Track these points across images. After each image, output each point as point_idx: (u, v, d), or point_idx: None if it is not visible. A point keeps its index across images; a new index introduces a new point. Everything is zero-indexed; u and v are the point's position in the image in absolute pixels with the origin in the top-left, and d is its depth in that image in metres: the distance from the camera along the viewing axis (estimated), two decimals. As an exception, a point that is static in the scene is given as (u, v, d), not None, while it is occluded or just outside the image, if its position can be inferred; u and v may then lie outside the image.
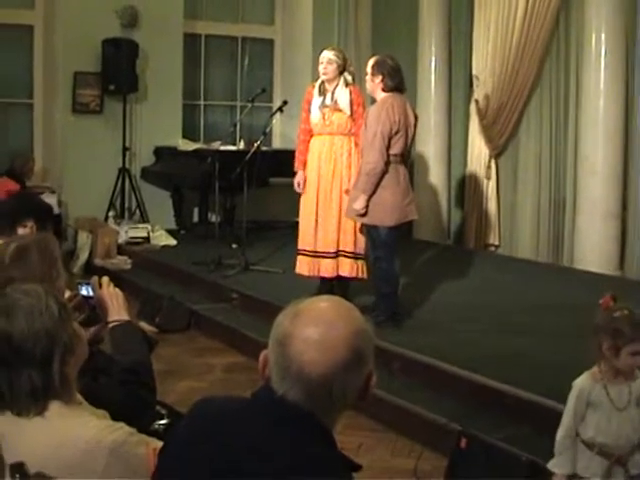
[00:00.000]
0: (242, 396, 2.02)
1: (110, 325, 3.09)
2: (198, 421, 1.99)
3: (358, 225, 7.06)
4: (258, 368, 1.97)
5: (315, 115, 7.34)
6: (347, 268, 7.26)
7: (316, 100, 7.37)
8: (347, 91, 7.26)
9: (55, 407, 2.29)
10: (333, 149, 7.29)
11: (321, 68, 7.32)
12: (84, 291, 3.21)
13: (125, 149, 11.21)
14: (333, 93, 7.29)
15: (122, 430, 2.31)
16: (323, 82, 7.37)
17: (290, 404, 1.85)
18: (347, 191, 7.08)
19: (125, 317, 3.13)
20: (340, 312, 1.92)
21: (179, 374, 6.61)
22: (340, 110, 7.26)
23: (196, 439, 1.94)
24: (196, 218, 11.83)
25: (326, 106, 7.30)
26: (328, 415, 1.90)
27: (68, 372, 2.33)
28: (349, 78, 7.32)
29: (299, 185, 7.47)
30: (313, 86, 7.50)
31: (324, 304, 1.94)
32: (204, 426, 1.96)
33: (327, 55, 7.33)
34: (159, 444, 2.24)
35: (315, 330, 1.85)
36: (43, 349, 2.27)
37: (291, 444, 1.83)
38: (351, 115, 7.23)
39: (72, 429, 2.26)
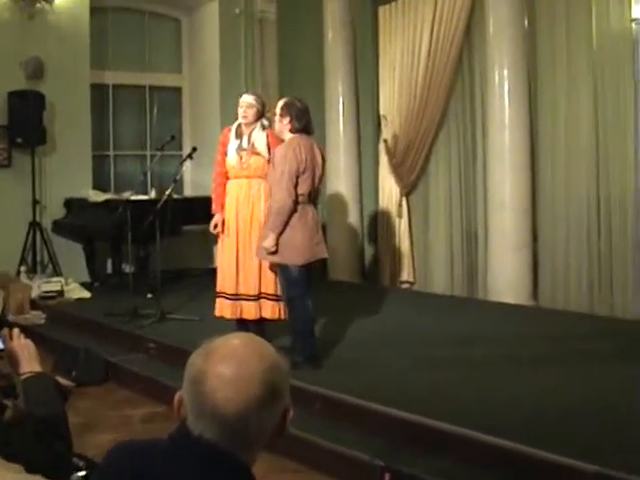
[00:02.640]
0: (159, 438, 1.99)
1: (22, 377, 3.03)
2: (114, 467, 1.96)
3: (267, 264, 7.06)
4: (173, 409, 1.94)
5: (232, 158, 7.34)
6: (269, 310, 7.25)
7: (233, 143, 7.37)
8: (264, 134, 7.27)
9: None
10: (251, 192, 7.29)
11: (240, 112, 7.33)
12: (-6, 344, 3.15)
13: (35, 202, 11.08)
14: (250, 136, 7.30)
15: (38, 483, 2.26)
16: (240, 125, 7.37)
17: (207, 443, 1.84)
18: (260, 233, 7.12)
19: (37, 368, 3.06)
20: (253, 348, 1.91)
21: (97, 427, 6.49)
22: (257, 153, 7.27)
23: (112, 485, 1.91)
24: (110, 269, 11.70)
25: (243, 149, 7.30)
26: (247, 452, 1.88)
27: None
28: (266, 123, 7.35)
29: (216, 227, 7.45)
30: (229, 129, 7.49)
31: (236, 341, 1.93)
32: (120, 471, 1.93)
33: (247, 99, 7.35)
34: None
35: (228, 367, 1.84)
36: None
37: (211, 484, 1.81)
38: (268, 159, 7.24)
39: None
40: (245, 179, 7.34)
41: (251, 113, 7.30)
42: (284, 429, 1.93)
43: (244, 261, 7.28)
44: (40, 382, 3.05)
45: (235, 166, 7.35)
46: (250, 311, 7.30)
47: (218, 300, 7.44)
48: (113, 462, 1.99)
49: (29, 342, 3.12)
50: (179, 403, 1.93)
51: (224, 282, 7.39)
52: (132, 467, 1.92)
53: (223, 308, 7.40)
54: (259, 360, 1.87)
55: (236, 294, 7.32)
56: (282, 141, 6.94)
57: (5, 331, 3.14)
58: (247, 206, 7.30)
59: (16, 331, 3.14)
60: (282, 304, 7.21)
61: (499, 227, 9.33)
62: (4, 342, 3.10)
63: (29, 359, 3.06)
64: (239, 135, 7.37)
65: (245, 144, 7.31)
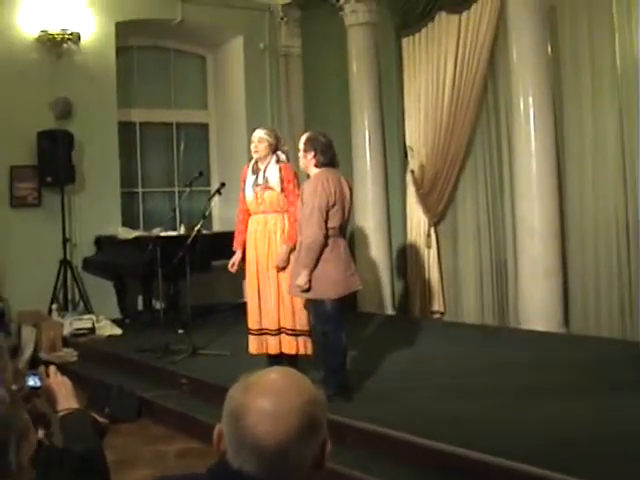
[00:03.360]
0: (197, 472, 2.01)
1: (60, 414, 3.06)
2: (155, 501, 1.98)
3: (302, 301, 7.07)
4: (213, 443, 1.96)
5: (249, 194, 7.41)
6: (287, 345, 7.27)
7: (249, 179, 7.44)
8: (277, 168, 7.32)
9: (10, 497, 2.25)
10: (267, 227, 7.34)
11: (252, 147, 7.41)
12: (31, 382, 3.17)
13: (65, 240, 11.16)
14: (264, 171, 7.35)
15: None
16: (256, 161, 7.43)
17: (247, 477, 1.85)
18: (276, 267, 7.15)
19: (74, 405, 3.09)
20: (291, 381, 1.92)
21: (132, 463, 6.51)
22: (271, 188, 7.31)
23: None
24: (140, 306, 11.75)
25: (258, 185, 7.36)
26: (286, 485, 1.90)
27: (22, 459, 2.30)
28: (282, 157, 7.40)
29: (233, 265, 7.53)
30: (247, 165, 7.57)
31: (274, 375, 1.95)
32: (161, 506, 1.95)
33: (258, 134, 7.42)
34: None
35: (268, 401, 1.86)
36: None
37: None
38: (282, 192, 7.28)
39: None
40: (262, 215, 7.39)
41: (262, 147, 7.36)
42: (323, 462, 1.94)
43: (264, 296, 7.34)
44: (78, 419, 3.07)
45: (252, 202, 7.42)
46: (272, 345, 7.33)
47: (249, 337, 7.49)
48: (154, 497, 2.00)
49: (66, 379, 3.15)
50: (218, 437, 1.94)
51: (251, 318, 7.45)
52: (172, 501, 1.93)
53: (252, 344, 7.45)
54: (298, 393, 1.89)
55: (260, 329, 7.36)
56: (307, 176, 6.97)
57: (42, 369, 3.17)
58: (264, 241, 7.35)
59: (52, 368, 3.17)
60: (302, 339, 7.24)
61: (528, 254, 9.31)
62: (41, 380, 3.13)
63: (66, 396, 3.09)
64: (255, 171, 7.44)
65: (260, 180, 7.37)
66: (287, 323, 7.25)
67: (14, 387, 3.13)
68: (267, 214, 7.36)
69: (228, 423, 1.89)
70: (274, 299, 7.23)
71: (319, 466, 1.94)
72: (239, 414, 1.86)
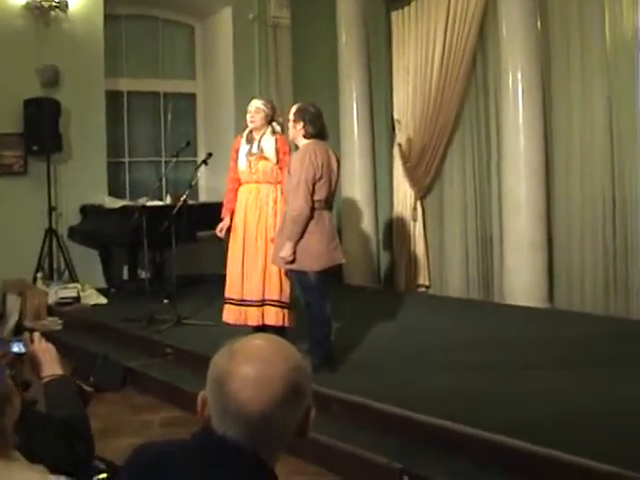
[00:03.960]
0: (181, 438, 2.01)
1: (44, 380, 3.06)
2: (139, 467, 1.98)
3: (283, 270, 7.07)
4: (197, 410, 1.96)
5: (242, 163, 7.39)
6: (272, 317, 7.27)
7: (243, 148, 7.42)
8: (273, 139, 7.31)
9: (-6, 461, 2.26)
10: (259, 197, 7.32)
11: (248, 117, 7.38)
12: (15, 348, 3.17)
13: (51, 209, 11.13)
14: (259, 141, 7.33)
15: (62, 483, 2.29)
16: (251, 131, 7.41)
17: (231, 443, 1.85)
18: (272, 240, 7.12)
19: (59, 371, 3.10)
20: (276, 348, 1.93)
21: (117, 432, 6.51)
22: (266, 158, 7.30)
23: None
24: (126, 275, 11.73)
25: (252, 154, 7.34)
26: (269, 452, 1.90)
27: (6, 424, 2.31)
28: (277, 128, 7.38)
29: (221, 230, 7.50)
30: (241, 135, 7.55)
31: (259, 341, 1.95)
32: (145, 472, 1.95)
33: (255, 104, 7.39)
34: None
35: (252, 367, 1.86)
36: None
37: (235, 483, 1.83)
38: (277, 163, 7.28)
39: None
40: (254, 184, 7.38)
41: (258, 118, 7.33)
42: (307, 429, 1.95)
43: (249, 267, 7.31)
44: (62, 385, 3.08)
45: (245, 171, 7.40)
46: (253, 317, 7.32)
47: (225, 306, 7.48)
48: (137, 462, 2.01)
49: (50, 346, 3.15)
50: (202, 403, 1.94)
51: (231, 287, 7.42)
52: (156, 467, 1.94)
53: (228, 314, 7.44)
54: (283, 360, 1.89)
55: (241, 299, 7.34)
56: (296, 147, 6.96)
57: (26, 335, 3.17)
58: (254, 211, 7.32)
59: (37, 335, 3.17)
60: (286, 311, 7.24)
61: (514, 230, 9.33)
62: (26, 346, 3.13)
63: (51, 362, 3.09)
64: (249, 141, 7.41)
65: (255, 149, 7.35)
66: (273, 295, 7.25)
67: (-1, 353, 3.14)
68: (260, 184, 7.35)
69: (212, 389, 1.90)
70: (260, 270, 7.23)
71: (303, 433, 1.95)
72: (223, 380, 1.87)
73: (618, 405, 5.67)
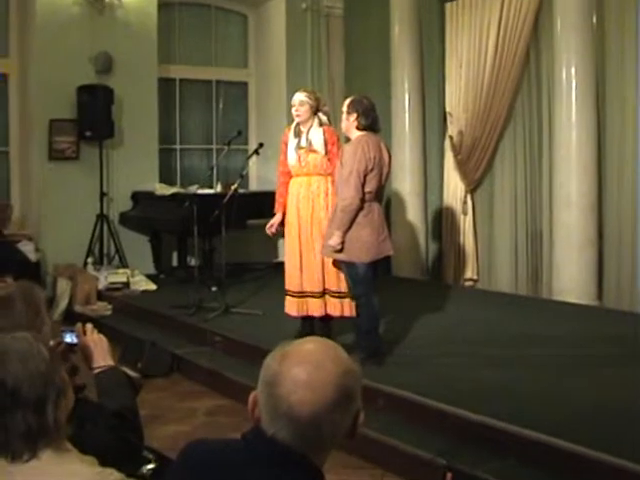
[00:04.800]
0: (232, 438, 2.04)
1: (95, 371, 3.10)
2: (190, 464, 2.01)
3: (329, 261, 7.08)
4: (248, 409, 1.99)
5: (292, 157, 7.39)
6: (333, 307, 7.28)
7: (292, 142, 7.42)
8: (320, 131, 7.30)
9: (48, 453, 2.28)
10: (310, 190, 7.32)
11: (293, 110, 7.37)
12: (68, 338, 3.22)
13: (102, 195, 11.23)
14: (307, 134, 7.33)
15: (113, 476, 2.31)
16: (298, 124, 7.42)
17: (281, 444, 1.88)
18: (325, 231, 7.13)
19: (110, 362, 3.14)
20: (328, 352, 1.95)
21: (162, 418, 6.59)
22: (315, 151, 7.30)
23: (189, 482, 1.96)
24: (175, 262, 11.84)
25: (301, 147, 7.34)
26: (318, 454, 1.93)
27: (60, 416, 2.34)
28: (324, 118, 7.37)
29: (271, 226, 7.52)
30: (289, 128, 7.55)
31: (311, 345, 1.97)
32: (196, 469, 1.97)
33: (299, 97, 7.38)
34: (150, 488, 2.25)
35: (304, 370, 1.88)
36: (37, 392, 2.27)
37: (284, 484, 1.86)
38: (326, 154, 7.27)
39: (65, 476, 2.26)
40: (305, 177, 7.37)
41: (303, 110, 7.32)
42: (355, 432, 1.98)
43: (307, 259, 7.31)
44: (113, 376, 3.12)
45: (295, 165, 7.40)
46: (316, 308, 7.33)
47: (286, 298, 7.49)
48: (190, 458, 2.03)
49: (102, 337, 3.19)
50: (253, 404, 1.97)
51: (290, 280, 7.44)
52: (207, 465, 1.96)
53: (290, 306, 7.45)
54: (334, 364, 1.91)
55: (301, 292, 7.36)
56: (347, 139, 6.96)
57: (79, 326, 3.21)
58: (307, 204, 7.32)
59: (89, 326, 3.21)
60: (347, 300, 7.22)
61: (565, 225, 9.27)
62: (78, 336, 3.17)
63: (102, 353, 3.13)
64: (297, 134, 7.40)
65: (303, 142, 7.34)
66: (332, 285, 7.26)
67: (52, 343, 3.18)
68: (310, 176, 7.35)
69: (263, 391, 1.92)
70: (318, 261, 7.22)
71: (351, 435, 1.98)
72: (275, 382, 1.89)
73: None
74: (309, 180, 7.34)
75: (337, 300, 7.27)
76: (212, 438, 2.15)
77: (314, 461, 1.91)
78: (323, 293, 7.29)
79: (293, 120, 7.51)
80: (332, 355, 1.94)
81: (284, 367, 1.90)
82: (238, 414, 6.67)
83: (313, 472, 1.91)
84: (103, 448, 2.73)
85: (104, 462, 2.48)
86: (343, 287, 7.19)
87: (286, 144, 7.48)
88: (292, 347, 1.95)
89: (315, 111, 7.34)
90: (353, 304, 7.09)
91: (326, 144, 7.28)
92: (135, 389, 3.24)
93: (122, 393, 3.08)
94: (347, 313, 7.26)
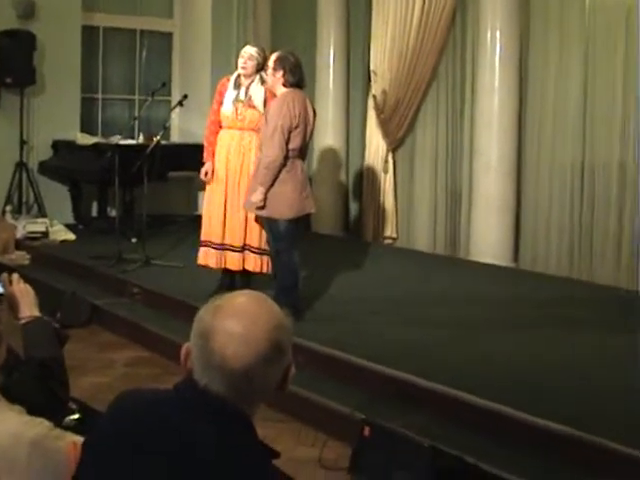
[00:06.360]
0: (164, 388, 2.07)
1: (22, 321, 3.10)
2: (121, 412, 2.04)
3: (253, 216, 7.10)
4: (181, 361, 2.01)
5: (227, 108, 7.34)
6: (252, 263, 7.30)
7: (230, 93, 7.35)
8: (262, 89, 7.25)
9: (-27, 403, 2.30)
10: (242, 144, 7.30)
11: (240, 62, 7.30)
12: (-6, 288, 3.20)
13: (22, 143, 11.05)
14: (248, 89, 7.28)
15: (42, 425, 2.34)
16: (239, 76, 7.37)
17: (213, 395, 1.92)
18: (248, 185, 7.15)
19: (36, 313, 3.14)
20: (260, 306, 1.99)
21: (82, 369, 6.56)
22: (254, 107, 7.27)
23: (120, 431, 1.98)
24: (95, 212, 11.73)
25: (240, 101, 7.30)
26: (249, 405, 1.98)
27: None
28: (266, 77, 7.31)
29: (206, 174, 7.46)
30: (228, 79, 7.47)
31: (244, 298, 2.01)
32: (128, 418, 2.00)
33: (249, 51, 7.33)
34: (77, 438, 2.28)
35: (237, 323, 1.92)
36: None
37: (216, 434, 1.90)
38: (263, 113, 7.22)
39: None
40: (238, 130, 7.35)
41: (251, 65, 7.28)
42: (286, 384, 2.03)
43: (231, 211, 7.31)
44: (39, 327, 3.12)
45: (230, 116, 7.36)
46: (234, 262, 7.35)
47: (203, 249, 7.47)
48: (122, 408, 2.06)
49: (28, 287, 3.19)
50: (186, 355, 2.00)
51: (210, 231, 7.41)
52: (139, 416, 1.99)
53: (208, 257, 7.44)
54: (267, 318, 1.96)
55: (222, 244, 7.36)
56: (274, 95, 6.96)
57: (4, 276, 3.20)
58: (238, 157, 7.31)
59: (15, 276, 3.20)
60: (266, 258, 7.26)
61: (483, 188, 9.41)
62: (4, 287, 3.16)
63: (29, 304, 3.13)
64: (237, 86, 7.36)
65: (242, 96, 7.30)
66: (253, 241, 7.27)
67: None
68: (244, 131, 7.31)
69: (196, 343, 1.95)
70: (242, 215, 7.22)
71: (282, 388, 2.03)
72: (207, 335, 1.92)
73: (576, 367, 5.81)
74: (242, 134, 7.32)
75: (257, 256, 7.30)
76: (144, 388, 2.19)
77: (246, 411, 1.96)
78: (243, 248, 7.31)
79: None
80: (265, 308, 1.99)
81: (217, 320, 1.93)
82: (157, 366, 6.71)
83: (244, 422, 1.96)
84: (29, 397, 2.74)
85: (30, 411, 2.50)
86: (264, 244, 7.22)
87: (222, 94, 7.42)
88: (225, 300, 1.98)
89: (260, 69, 7.29)
90: (270, 261, 7.15)
91: (266, 103, 7.23)
92: (61, 340, 3.25)
93: (48, 343, 3.09)
94: (265, 270, 7.29)
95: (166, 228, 10.95)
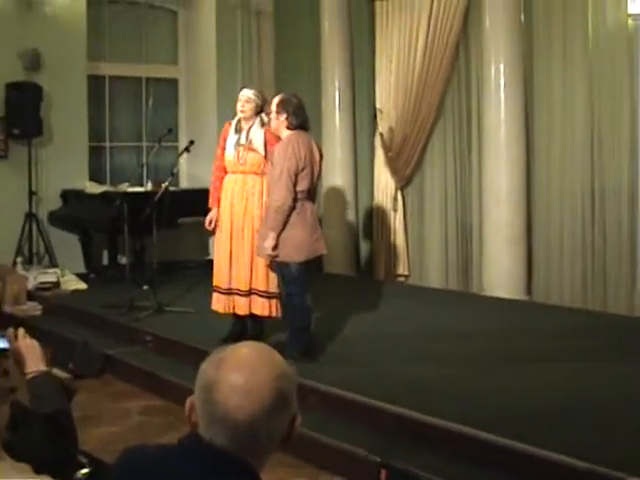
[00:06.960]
0: (169, 443, 2.04)
1: (28, 376, 3.07)
2: (127, 470, 2.01)
3: (260, 260, 7.09)
4: (185, 415, 1.99)
5: (230, 153, 7.35)
6: (259, 306, 7.27)
7: (232, 138, 7.36)
8: (262, 131, 7.25)
9: (-23, 464, 2.27)
10: (245, 188, 7.29)
11: (239, 106, 7.32)
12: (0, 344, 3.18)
13: (31, 193, 11.08)
14: (248, 132, 7.29)
15: (47, 485, 2.30)
16: (240, 120, 7.38)
17: (218, 449, 1.89)
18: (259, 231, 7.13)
19: (43, 368, 3.11)
20: (263, 357, 1.96)
21: (95, 420, 6.53)
22: (254, 150, 7.27)
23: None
24: (106, 261, 11.74)
25: (241, 145, 7.31)
26: (256, 458, 1.94)
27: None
28: (265, 119, 7.32)
29: (210, 223, 7.47)
30: (230, 124, 7.49)
31: (246, 350, 1.98)
32: (134, 475, 1.97)
33: (246, 94, 7.34)
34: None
35: (240, 376, 1.89)
36: None
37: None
38: (265, 156, 7.22)
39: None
40: (241, 174, 7.34)
41: (249, 108, 7.29)
42: (292, 436, 1.99)
43: (237, 256, 7.30)
44: (46, 381, 3.09)
45: (232, 161, 7.36)
46: (241, 306, 7.32)
47: (215, 294, 7.47)
48: (128, 464, 2.03)
49: (34, 342, 3.16)
50: (190, 409, 1.97)
51: (219, 276, 7.42)
52: (144, 472, 1.96)
53: (217, 302, 7.44)
54: (269, 368, 1.93)
55: (229, 289, 7.35)
56: (279, 138, 6.96)
57: (10, 331, 3.18)
58: (241, 201, 7.30)
59: (21, 331, 3.17)
60: (274, 301, 7.24)
61: (494, 221, 9.39)
62: (9, 342, 3.14)
63: (35, 359, 3.10)
64: (238, 130, 7.37)
65: (243, 140, 7.30)
66: (260, 285, 7.24)
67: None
68: (246, 175, 7.30)
69: (200, 397, 1.93)
70: (247, 260, 7.21)
71: (288, 440, 1.99)
72: (211, 388, 1.90)
73: (593, 398, 5.74)
74: (244, 178, 7.31)
75: (264, 300, 7.26)
76: (149, 444, 2.16)
77: (252, 465, 1.93)
78: (250, 292, 7.29)
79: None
80: (267, 359, 1.96)
81: (220, 373, 1.91)
82: (171, 414, 6.65)
83: (250, 476, 1.92)
84: (37, 453, 2.71)
85: (37, 468, 2.46)
86: (272, 287, 7.20)
87: (225, 139, 7.43)
88: (227, 352, 1.96)
89: (259, 111, 7.31)
90: (279, 305, 7.12)
91: (266, 145, 7.23)
92: (69, 393, 3.21)
93: (55, 397, 3.06)
94: (273, 313, 7.27)
95: (177, 274, 10.95)
